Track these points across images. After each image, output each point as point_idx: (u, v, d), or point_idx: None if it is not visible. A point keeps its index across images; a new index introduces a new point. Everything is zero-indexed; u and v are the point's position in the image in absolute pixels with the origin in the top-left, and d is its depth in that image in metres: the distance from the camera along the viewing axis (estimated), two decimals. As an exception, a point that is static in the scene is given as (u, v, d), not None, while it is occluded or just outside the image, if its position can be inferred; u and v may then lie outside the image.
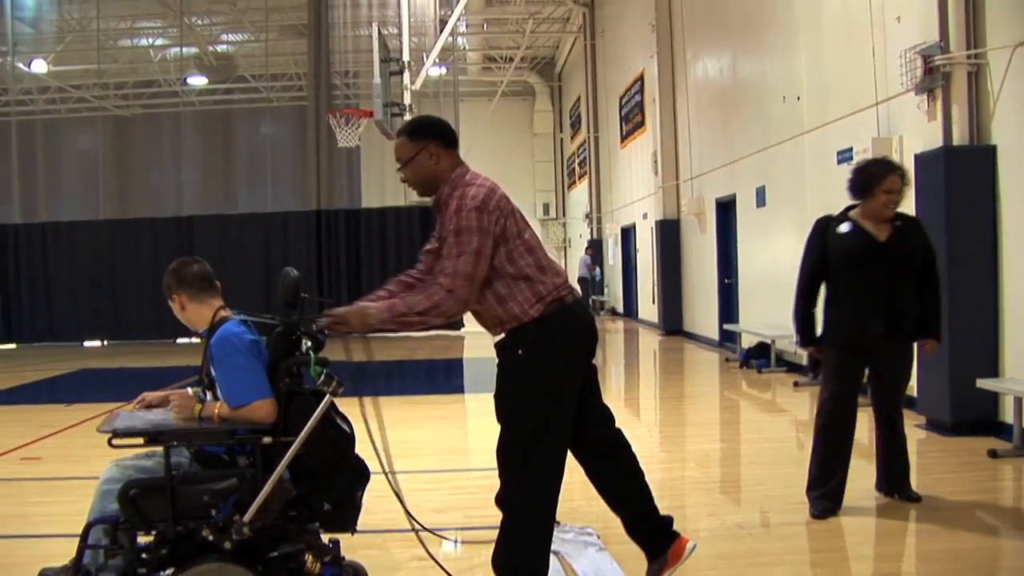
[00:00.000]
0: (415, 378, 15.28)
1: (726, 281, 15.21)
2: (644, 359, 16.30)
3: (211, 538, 3.64)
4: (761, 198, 13.11)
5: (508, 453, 3.98)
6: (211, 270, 4.26)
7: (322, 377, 3.72)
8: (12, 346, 21.33)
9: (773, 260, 12.71)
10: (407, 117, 13.95)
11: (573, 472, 7.40)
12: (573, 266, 29.10)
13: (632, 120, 21.87)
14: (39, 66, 21.53)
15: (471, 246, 3.72)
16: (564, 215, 35.01)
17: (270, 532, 3.79)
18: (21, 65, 21.97)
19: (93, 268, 21.31)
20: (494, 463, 7.41)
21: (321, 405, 3.68)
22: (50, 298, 21.54)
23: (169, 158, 22.69)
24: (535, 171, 35.28)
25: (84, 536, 3.80)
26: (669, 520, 4.24)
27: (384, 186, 21.49)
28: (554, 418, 3.88)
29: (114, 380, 14.91)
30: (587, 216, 28.25)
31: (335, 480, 3.85)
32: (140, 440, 3.75)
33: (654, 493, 6.29)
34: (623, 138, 23.30)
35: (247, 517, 3.61)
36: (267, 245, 21.24)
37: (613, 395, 12.09)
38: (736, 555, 4.85)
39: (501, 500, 3.99)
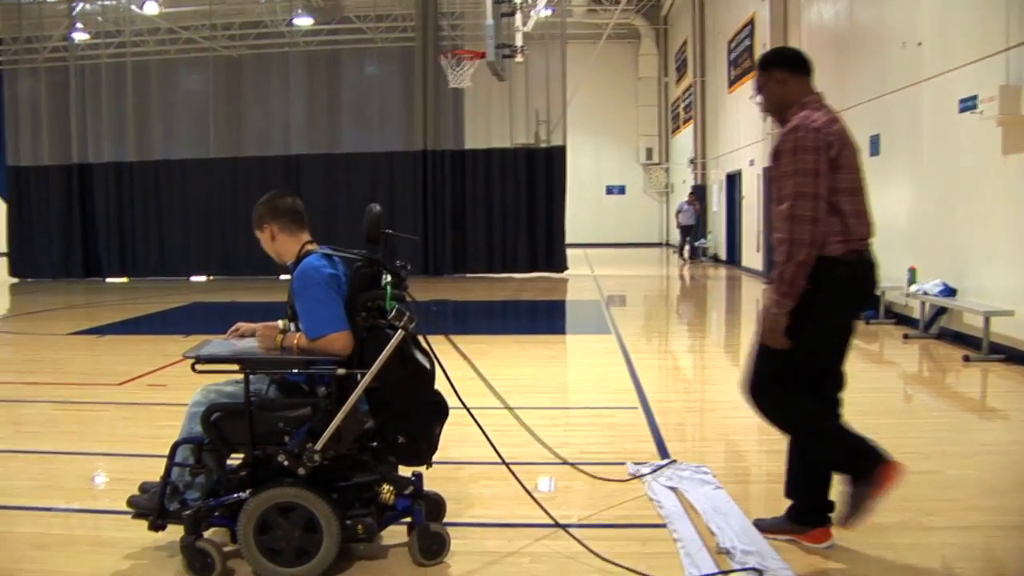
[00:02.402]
0: (520, 318, 15.41)
1: (834, 230, 14.95)
2: (747, 306, 16.17)
3: (286, 463, 3.81)
4: (875, 146, 12.81)
5: (764, 375, 4.12)
6: (302, 204, 4.34)
7: (394, 312, 3.80)
8: (125, 280, 22.09)
9: (886, 210, 12.41)
10: (519, 59, 13.94)
11: (690, 413, 7.49)
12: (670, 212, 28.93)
13: (741, 65, 21.47)
14: (151, 8, 21.89)
15: (807, 164, 3.75)
16: (667, 160, 34.65)
17: (345, 462, 3.94)
18: (134, 7, 22.44)
19: (204, 205, 21.95)
20: (604, 402, 7.55)
21: (393, 339, 3.76)
22: (162, 234, 22.26)
23: (277, 98, 22.99)
24: (639, 115, 34.93)
25: (171, 455, 4.03)
26: (831, 505, 4.21)
27: (490, 128, 21.50)
28: (823, 355, 4.04)
29: (225, 313, 15.36)
30: (691, 162, 27.93)
31: (410, 414, 3.95)
32: (228, 366, 3.95)
33: (754, 438, 6.35)
34: (731, 83, 22.89)
35: (319, 445, 3.76)
36: (373, 184, 21.55)
37: (713, 341, 12.09)
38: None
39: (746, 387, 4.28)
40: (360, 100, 23.11)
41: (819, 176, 3.74)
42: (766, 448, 6.21)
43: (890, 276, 11.96)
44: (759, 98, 4.18)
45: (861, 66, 13.41)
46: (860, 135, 13.32)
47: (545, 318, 15.45)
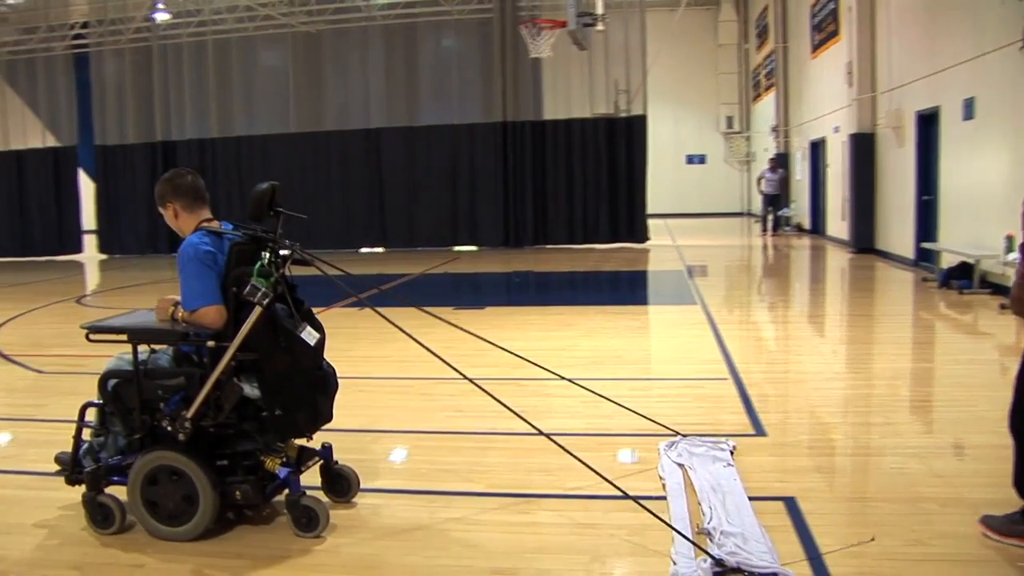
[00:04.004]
0: (603, 289, 15.36)
1: (924, 198, 14.58)
2: (832, 276, 15.90)
3: (169, 429, 4.02)
4: (969, 110, 12.42)
5: None
6: (202, 182, 4.49)
7: (248, 288, 3.94)
8: (211, 253, 22.47)
9: (981, 176, 12.09)
10: (599, 27, 13.83)
11: (781, 384, 7.35)
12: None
13: (825, 29, 20.98)
14: (229, -15, 22.25)
15: None
16: (748, 128, 34.11)
17: (228, 431, 4.12)
18: (212, -15, 22.78)
19: (284, 180, 21.98)
20: (693, 373, 7.49)
21: (252, 315, 3.93)
22: (244, 209, 22.51)
23: (355, 72, 23.21)
24: (719, 83, 34.39)
25: (81, 415, 4.35)
26: None
27: (570, 98, 21.42)
28: None
29: (305, 286, 15.51)
30: (773, 129, 27.46)
31: (285, 386, 4.07)
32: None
33: (848, 409, 6.22)
34: (814, 48, 22.39)
35: (189, 413, 3.97)
36: (454, 157, 21.71)
37: (796, 312, 11.89)
38: (954, 474, 4.74)
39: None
40: (439, 73, 23.17)
41: None
42: (859, 420, 6.10)
43: (985, 244, 11.65)
44: None
45: (955, 25, 12.98)
46: (952, 98, 13.00)
47: (628, 289, 15.37)
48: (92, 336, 4.22)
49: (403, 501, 4.58)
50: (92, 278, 19.62)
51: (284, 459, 4.19)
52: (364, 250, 22.34)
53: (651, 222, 21.65)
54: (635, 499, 4.10)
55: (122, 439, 4.27)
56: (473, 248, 21.61)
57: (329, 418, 4.33)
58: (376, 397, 6.77)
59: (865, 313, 11.38)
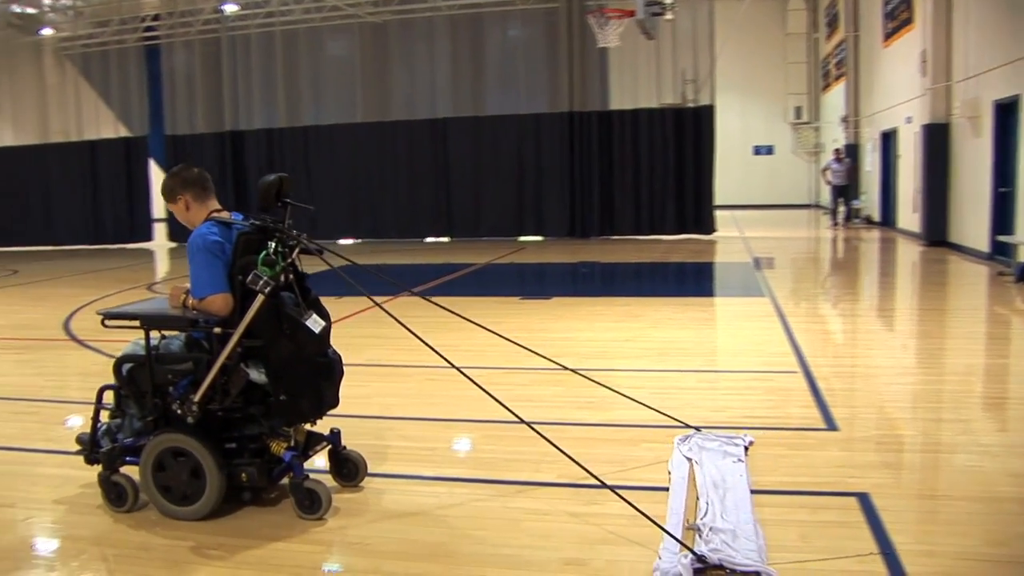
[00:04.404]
0: (670, 280, 15.26)
1: (1001, 190, 14.25)
2: (902, 270, 15.62)
3: (180, 412, 4.16)
4: (1050, 100, 12.13)
5: None
6: (208, 175, 4.61)
7: (250, 277, 4.06)
8: (275, 243, 22.76)
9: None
10: (668, 17, 13.72)
11: (852, 378, 7.25)
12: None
13: (898, 17, 20.58)
14: (296, -24, 22.49)
15: None
16: (817, 119, 33.62)
17: (235, 414, 4.25)
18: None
19: (351, 169, 22.46)
20: (762, 366, 7.42)
21: (255, 302, 4.05)
22: (312, 198, 22.74)
23: (422, 62, 23.33)
24: (787, 73, 33.92)
25: (98, 398, 4.52)
26: None
27: (637, 88, 21.27)
28: None
29: (371, 276, 15.63)
30: (844, 120, 27.03)
31: (288, 372, 4.19)
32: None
33: (921, 405, 6.10)
34: (886, 37, 21.98)
35: (196, 396, 4.10)
36: (520, 146, 21.71)
37: (866, 306, 11.70)
38: (1031, 473, 4.65)
39: None
40: (505, 62, 23.16)
41: None
42: (931, 416, 5.99)
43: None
44: None
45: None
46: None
47: (695, 280, 15.26)
48: (107, 322, 4.41)
49: (469, 489, 4.62)
50: (162, 266, 19.99)
51: (291, 443, 4.31)
52: (429, 239, 22.47)
53: (718, 214, 21.44)
54: (612, 488, 4.11)
55: (137, 421, 4.44)
56: (539, 238, 21.61)
57: (334, 404, 4.47)
58: (443, 385, 6.80)
59: (937, 307, 11.17)
